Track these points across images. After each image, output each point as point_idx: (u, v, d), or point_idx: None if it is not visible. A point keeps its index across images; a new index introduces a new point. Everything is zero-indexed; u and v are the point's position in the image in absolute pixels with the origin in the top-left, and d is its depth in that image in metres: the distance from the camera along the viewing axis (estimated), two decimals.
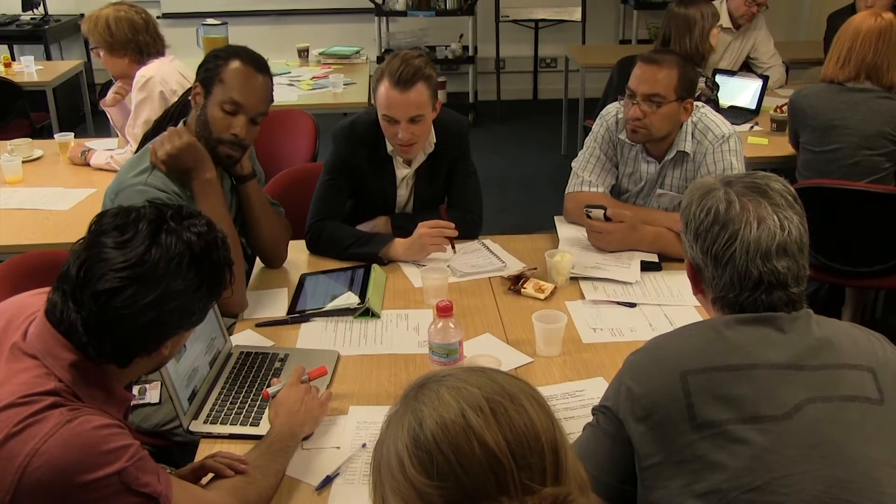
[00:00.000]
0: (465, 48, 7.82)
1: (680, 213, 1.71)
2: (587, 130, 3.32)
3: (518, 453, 0.99)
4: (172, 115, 2.69)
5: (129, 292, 1.47)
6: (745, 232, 1.56)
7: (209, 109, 2.50)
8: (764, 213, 1.57)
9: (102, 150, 3.94)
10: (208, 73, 2.50)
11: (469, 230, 3.01)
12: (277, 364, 2.26)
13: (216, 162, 2.55)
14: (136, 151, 2.72)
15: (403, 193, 3.05)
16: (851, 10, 4.90)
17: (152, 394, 2.33)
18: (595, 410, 1.63)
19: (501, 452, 0.98)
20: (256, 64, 2.53)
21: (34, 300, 1.64)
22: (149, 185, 2.42)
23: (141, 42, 3.74)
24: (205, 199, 2.48)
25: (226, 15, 6.52)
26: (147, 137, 2.70)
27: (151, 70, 3.70)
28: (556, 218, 3.16)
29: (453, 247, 2.88)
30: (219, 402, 2.11)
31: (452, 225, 2.84)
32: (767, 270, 1.55)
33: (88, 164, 3.90)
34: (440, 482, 0.98)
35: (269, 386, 2.11)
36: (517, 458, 0.99)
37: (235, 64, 2.49)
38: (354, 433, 2.00)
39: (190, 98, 2.56)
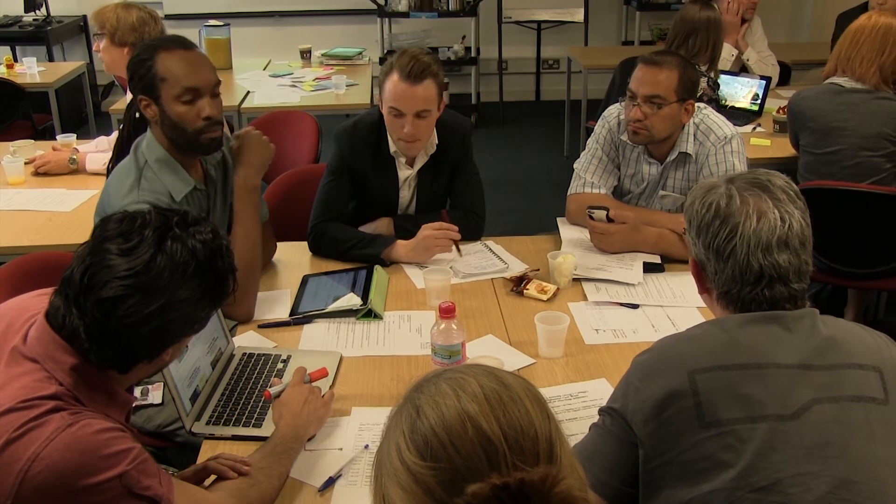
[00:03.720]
0: (468, 49, 7.82)
1: (684, 212, 1.71)
2: (589, 132, 3.32)
3: (511, 436, 1.00)
4: (130, 137, 2.61)
5: (132, 301, 1.46)
6: (746, 225, 1.57)
7: (169, 110, 2.39)
8: (765, 206, 1.58)
9: (92, 153, 3.88)
10: (144, 81, 2.39)
11: (471, 231, 3.01)
12: (280, 365, 2.26)
13: (203, 152, 2.51)
14: (114, 158, 2.68)
15: (406, 194, 3.05)
16: (862, 9, 4.89)
17: (155, 395, 2.33)
18: (602, 411, 1.63)
19: (494, 435, 0.99)
20: (181, 44, 2.43)
21: (34, 302, 1.64)
22: (140, 202, 2.34)
23: (145, 35, 3.74)
24: (245, 204, 2.58)
25: (228, 16, 6.54)
26: (113, 156, 2.67)
27: None
28: (558, 219, 3.16)
29: (458, 250, 2.88)
30: (221, 403, 2.11)
31: (456, 227, 2.84)
32: (768, 264, 1.56)
33: (74, 172, 3.82)
34: (433, 462, 0.99)
35: (270, 386, 2.12)
36: (509, 440, 1.00)
37: (164, 56, 2.38)
38: (357, 435, 2.00)
39: (142, 113, 2.46)
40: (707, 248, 1.62)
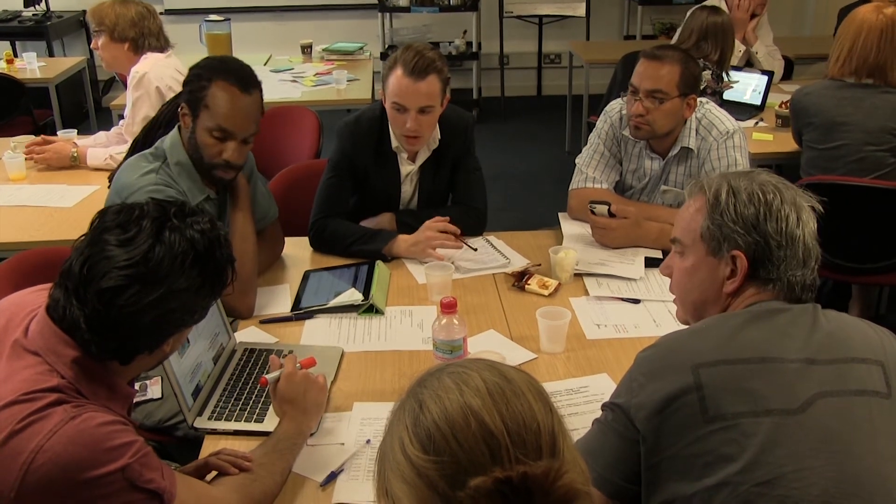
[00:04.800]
0: (469, 44, 7.81)
1: (707, 215, 1.68)
2: (591, 127, 3.31)
3: (513, 430, 1.00)
4: (163, 121, 2.64)
5: (132, 291, 1.47)
6: (806, 208, 1.66)
7: (199, 135, 2.45)
8: (798, 197, 1.66)
9: (92, 147, 3.88)
10: (193, 96, 2.44)
11: (473, 227, 3.00)
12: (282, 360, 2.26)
13: (211, 182, 2.56)
14: (131, 149, 2.70)
15: (408, 190, 3.05)
16: (863, 1, 4.87)
17: (153, 389, 2.33)
18: (605, 406, 1.62)
19: (497, 428, 1.00)
20: (242, 83, 2.45)
21: (34, 297, 1.64)
22: (159, 185, 2.42)
23: (145, 29, 3.74)
24: (245, 202, 2.59)
25: (229, 11, 6.54)
26: (140, 136, 2.67)
27: (146, 66, 3.70)
28: (560, 214, 3.15)
29: (469, 245, 2.87)
30: (223, 398, 2.11)
31: (458, 230, 2.84)
32: (817, 243, 1.65)
33: (75, 168, 3.82)
34: (436, 456, 1.00)
35: (267, 373, 2.11)
36: (512, 434, 1.00)
37: (220, 86, 2.41)
38: (359, 430, 2.00)
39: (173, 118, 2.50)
40: (776, 233, 1.62)
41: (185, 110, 2.47)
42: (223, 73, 2.45)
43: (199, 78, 2.45)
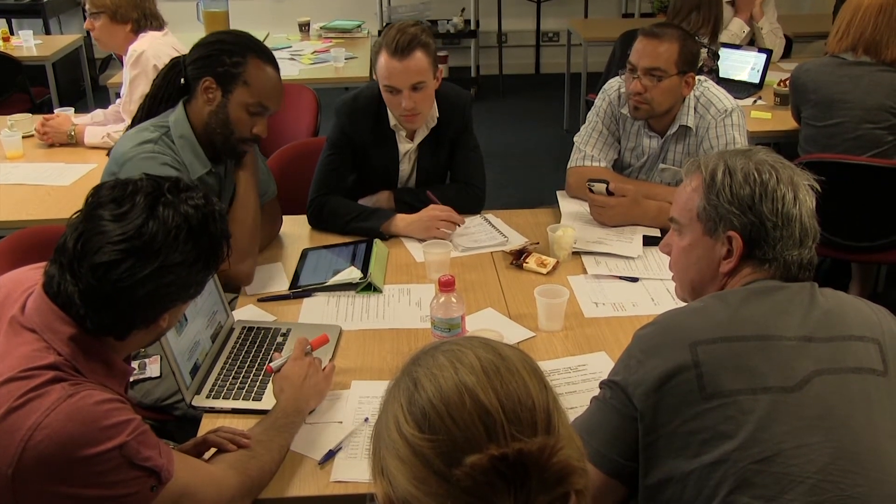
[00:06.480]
0: (467, 22, 7.77)
1: (703, 195, 1.69)
2: (589, 105, 3.31)
3: (508, 407, 1.00)
4: (164, 95, 2.61)
5: (126, 265, 1.47)
6: (804, 187, 1.65)
7: (231, 110, 2.45)
8: (795, 176, 1.66)
9: (91, 125, 3.88)
10: (225, 70, 2.42)
11: (471, 204, 3.00)
12: (280, 339, 2.26)
13: (228, 155, 2.56)
14: (130, 126, 2.68)
15: (406, 168, 3.04)
16: None
17: (152, 368, 2.34)
18: (603, 384, 1.63)
19: (492, 406, 1.00)
20: (273, 61, 2.51)
21: (30, 275, 1.64)
22: (154, 153, 2.39)
23: (146, 10, 3.73)
24: (250, 173, 2.60)
25: None
26: (140, 113, 2.65)
27: (143, 44, 3.68)
28: (558, 192, 3.15)
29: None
30: (221, 376, 2.11)
31: (463, 220, 2.85)
32: (815, 222, 1.65)
33: (71, 145, 3.82)
34: (431, 434, 1.00)
35: (271, 361, 2.12)
36: (507, 411, 1.00)
37: (257, 64, 2.44)
38: (357, 408, 2.01)
39: (199, 90, 2.45)
40: (772, 213, 1.62)
41: (212, 84, 2.44)
42: (256, 50, 2.47)
43: (231, 53, 2.44)
